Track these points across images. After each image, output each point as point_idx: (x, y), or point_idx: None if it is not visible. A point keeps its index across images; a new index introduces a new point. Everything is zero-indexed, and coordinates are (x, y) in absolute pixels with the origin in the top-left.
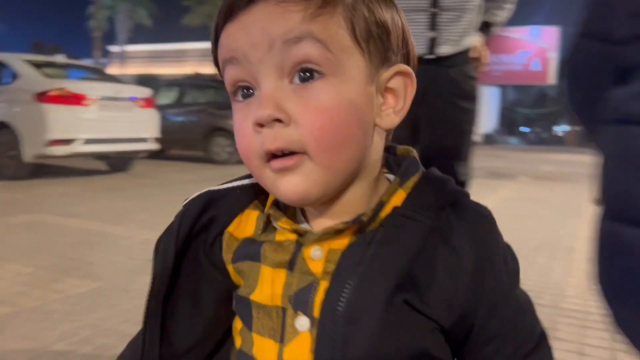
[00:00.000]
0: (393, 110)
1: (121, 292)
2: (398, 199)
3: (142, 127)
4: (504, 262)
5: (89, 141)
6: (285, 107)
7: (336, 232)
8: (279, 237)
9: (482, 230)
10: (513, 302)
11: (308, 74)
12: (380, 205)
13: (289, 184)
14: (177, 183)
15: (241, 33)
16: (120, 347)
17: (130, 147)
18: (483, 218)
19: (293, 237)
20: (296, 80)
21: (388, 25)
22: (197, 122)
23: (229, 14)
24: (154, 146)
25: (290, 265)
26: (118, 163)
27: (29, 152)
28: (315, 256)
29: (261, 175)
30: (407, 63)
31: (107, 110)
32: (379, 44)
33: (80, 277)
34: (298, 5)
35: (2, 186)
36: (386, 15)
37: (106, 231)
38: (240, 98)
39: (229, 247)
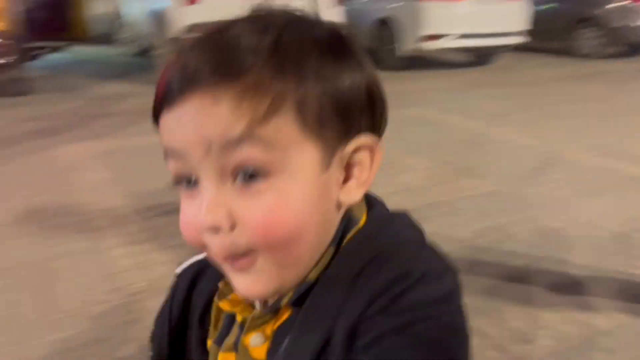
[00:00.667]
0: (356, 182)
1: (516, 199)
2: (315, 273)
3: (512, 20)
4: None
5: (461, 36)
6: (230, 211)
7: (276, 312)
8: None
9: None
10: None
11: (251, 176)
12: (305, 284)
13: (244, 284)
14: (540, 81)
15: (178, 128)
16: None
17: (498, 42)
18: (401, 280)
19: (239, 318)
20: (239, 180)
21: (347, 97)
22: (559, 10)
23: (164, 100)
24: (520, 39)
25: (236, 348)
26: (482, 56)
27: (404, 47)
28: (255, 343)
29: (217, 263)
30: (374, 125)
31: (480, 4)
32: (336, 123)
33: (475, 178)
34: (236, 101)
35: (381, 77)
36: (345, 83)
37: (484, 132)
38: (184, 187)
39: (215, 319)
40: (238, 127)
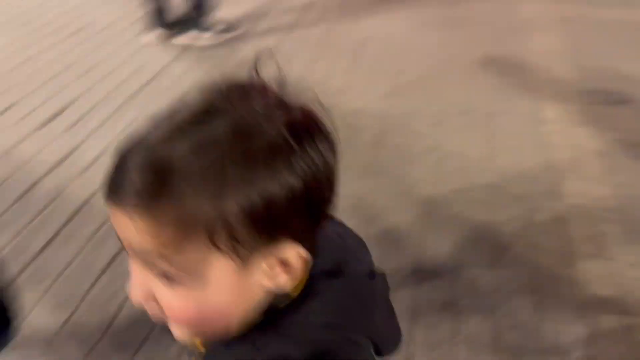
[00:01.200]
0: (284, 277)
1: None
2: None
3: None
4: None
5: None
6: (151, 292)
7: None
8: None
9: None
10: None
11: (167, 278)
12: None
13: (174, 333)
14: None
15: (114, 221)
16: None
17: None
18: None
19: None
20: (160, 277)
21: (269, 212)
22: None
23: (106, 195)
24: None
25: None
26: None
27: None
28: None
29: None
30: (307, 227)
31: None
32: (253, 236)
33: None
34: (148, 225)
35: None
36: (268, 190)
37: None
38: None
39: None
40: (149, 247)
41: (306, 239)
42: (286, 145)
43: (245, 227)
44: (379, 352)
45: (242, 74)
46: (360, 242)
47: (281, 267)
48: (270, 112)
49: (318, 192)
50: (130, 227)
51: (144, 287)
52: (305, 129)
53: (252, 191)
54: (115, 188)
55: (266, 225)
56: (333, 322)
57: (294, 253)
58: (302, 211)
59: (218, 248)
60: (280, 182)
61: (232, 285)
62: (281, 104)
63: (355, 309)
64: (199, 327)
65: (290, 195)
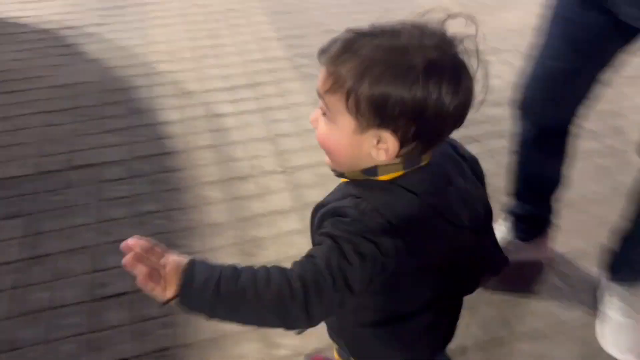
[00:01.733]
0: (381, 152)
1: None
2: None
3: None
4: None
5: None
6: (318, 120)
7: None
8: None
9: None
10: None
11: (324, 114)
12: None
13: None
14: None
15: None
16: None
17: None
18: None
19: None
20: (322, 110)
21: (388, 104)
22: None
23: (317, 55)
24: None
25: None
26: None
27: None
28: None
29: None
30: (416, 133)
31: None
32: (371, 115)
33: None
34: (325, 75)
35: None
36: (393, 95)
37: None
38: None
39: None
40: (323, 88)
41: (406, 142)
42: (415, 75)
43: (367, 106)
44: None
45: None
46: (458, 166)
47: (382, 147)
48: (426, 49)
49: (424, 119)
50: (321, 75)
51: (316, 116)
52: (439, 72)
53: (381, 88)
54: (322, 51)
55: (380, 113)
56: (384, 212)
57: (392, 142)
58: (408, 122)
59: (348, 108)
60: (399, 94)
61: (349, 136)
62: (441, 48)
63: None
64: (327, 150)
65: (401, 106)
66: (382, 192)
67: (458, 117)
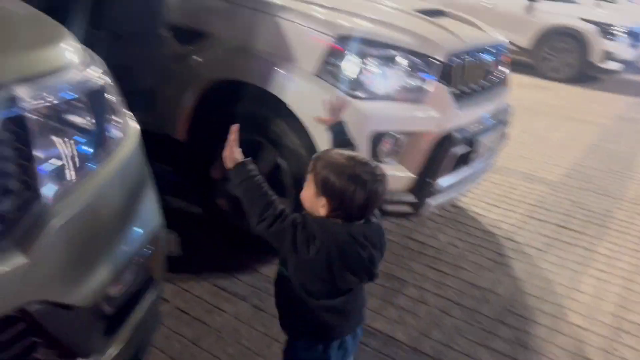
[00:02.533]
0: (323, 209)
1: None
2: None
3: None
4: None
5: None
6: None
7: None
8: None
9: None
10: None
11: (305, 182)
12: None
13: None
14: None
15: None
16: None
17: None
18: None
19: None
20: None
21: (324, 183)
22: None
23: None
24: None
25: None
26: None
27: None
28: None
29: None
30: (334, 202)
31: None
32: (320, 187)
33: None
34: (310, 166)
35: None
36: (328, 177)
37: None
38: None
39: None
40: (309, 171)
41: (334, 208)
42: (346, 176)
43: (319, 182)
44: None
45: None
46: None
47: (322, 206)
48: (360, 168)
49: (342, 200)
50: (309, 165)
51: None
52: (360, 182)
53: (330, 177)
54: (314, 157)
55: (324, 189)
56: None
57: (326, 206)
58: (334, 198)
59: (314, 181)
60: (333, 181)
61: (312, 196)
62: (370, 173)
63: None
64: (304, 203)
65: (332, 188)
66: (322, 219)
67: (364, 208)
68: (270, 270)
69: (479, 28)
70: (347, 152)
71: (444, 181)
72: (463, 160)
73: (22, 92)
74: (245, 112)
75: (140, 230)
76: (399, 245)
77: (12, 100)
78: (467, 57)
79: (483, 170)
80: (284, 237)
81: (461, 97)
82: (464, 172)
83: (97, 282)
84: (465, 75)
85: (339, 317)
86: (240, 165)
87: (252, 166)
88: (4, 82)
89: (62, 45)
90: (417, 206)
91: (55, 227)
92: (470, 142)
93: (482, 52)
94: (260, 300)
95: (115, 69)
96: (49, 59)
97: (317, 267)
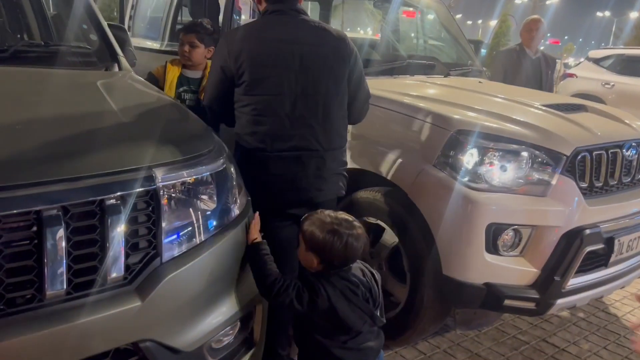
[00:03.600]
0: (311, 262)
1: None
2: None
3: None
4: None
5: None
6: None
7: None
8: None
9: None
10: None
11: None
12: None
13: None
14: None
15: None
16: None
17: None
18: None
19: None
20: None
21: (309, 237)
22: None
23: None
24: None
25: None
26: None
27: None
28: None
29: None
30: (318, 254)
31: None
32: (306, 239)
33: None
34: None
35: None
36: (314, 232)
37: None
38: None
39: None
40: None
41: (320, 261)
42: (330, 233)
43: (305, 236)
44: None
45: None
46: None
47: (311, 260)
48: (344, 226)
49: (324, 252)
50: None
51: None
52: (341, 238)
53: (316, 231)
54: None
55: (310, 244)
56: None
57: (315, 258)
58: (319, 250)
59: (304, 239)
60: (317, 235)
61: (303, 252)
62: (352, 227)
63: None
64: (302, 262)
65: (316, 241)
66: (320, 272)
67: (344, 260)
68: None
69: (623, 122)
70: (332, 212)
71: (575, 280)
72: (600, 259)
73: (159, 173)
74: (367, 198)
75: (245, 294)
76: (531, 348)
77: (150, 179)
78: (601, 152)
79: (632, 272)
80: (294, 307)
81: (595, 192)
82: (603, 272)
83: (202, 333)
84: (601, 171)
85: (353, 354)
86: (256, 244)
87: (264, 246)
88: (145, 165)
89: (197, 139)
90: (541, 303)
91: (168, 281)
92: (608, 241)
93: (624, 147)
94: None
95: None
96: (184, 149)
97: (325, 313)
